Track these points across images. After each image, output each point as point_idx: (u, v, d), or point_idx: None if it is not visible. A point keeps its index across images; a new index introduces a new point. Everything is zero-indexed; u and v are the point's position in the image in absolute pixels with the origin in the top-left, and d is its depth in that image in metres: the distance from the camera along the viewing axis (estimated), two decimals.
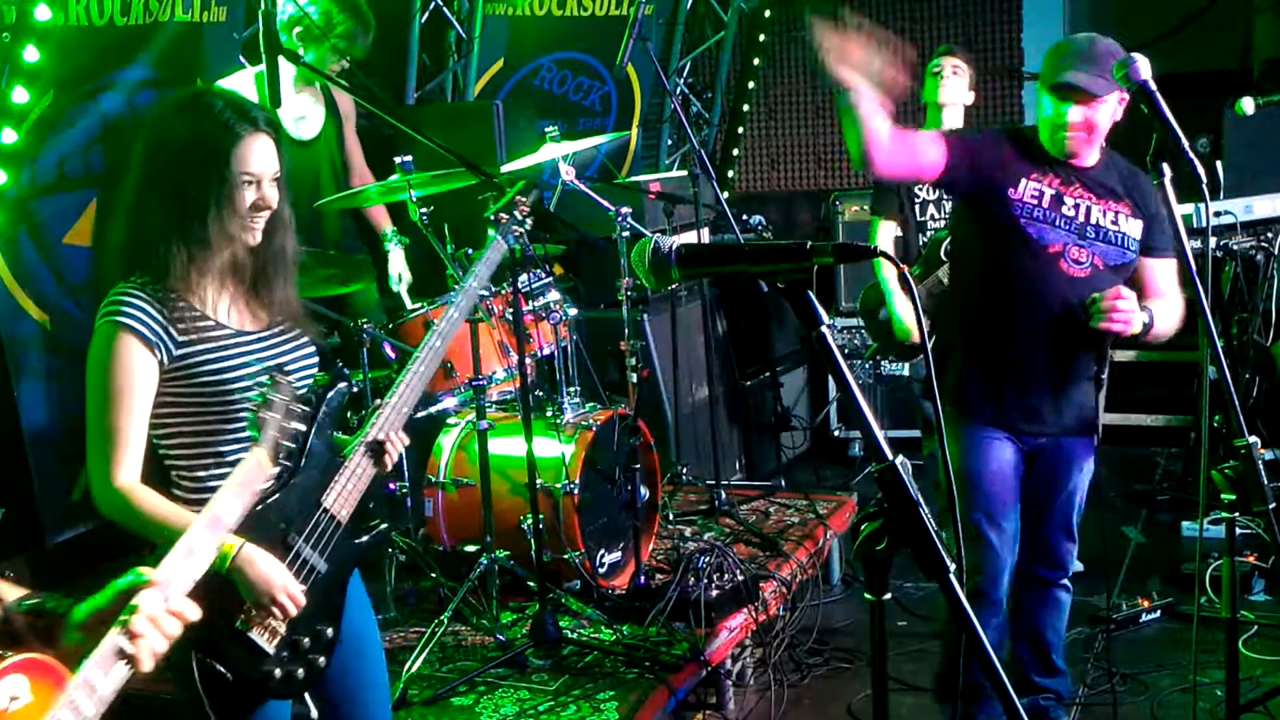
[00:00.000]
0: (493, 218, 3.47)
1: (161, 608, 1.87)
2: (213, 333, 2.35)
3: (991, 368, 3.46)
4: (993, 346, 3.46)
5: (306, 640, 2.38)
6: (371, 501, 2.53)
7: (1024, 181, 3.37)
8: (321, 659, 2.41)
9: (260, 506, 2.31)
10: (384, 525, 2.57)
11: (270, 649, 2.32)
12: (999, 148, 3.42)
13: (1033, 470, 3.54)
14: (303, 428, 2.29)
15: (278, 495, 2.36)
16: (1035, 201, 3.36)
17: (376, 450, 2.49)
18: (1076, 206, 3.37)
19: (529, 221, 3.57)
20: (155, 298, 2.30)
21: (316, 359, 2.52)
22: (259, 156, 2.30)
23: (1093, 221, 3.38)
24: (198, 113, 2.34)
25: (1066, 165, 3.39)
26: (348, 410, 3.81)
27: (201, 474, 2.38)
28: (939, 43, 5.54)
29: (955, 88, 4.99)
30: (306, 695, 2.45)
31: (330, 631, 2.43)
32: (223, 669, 2.28)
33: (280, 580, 2.26)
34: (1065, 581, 3.66)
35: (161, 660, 1.86)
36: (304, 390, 2.43)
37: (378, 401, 2.64)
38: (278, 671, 2.33)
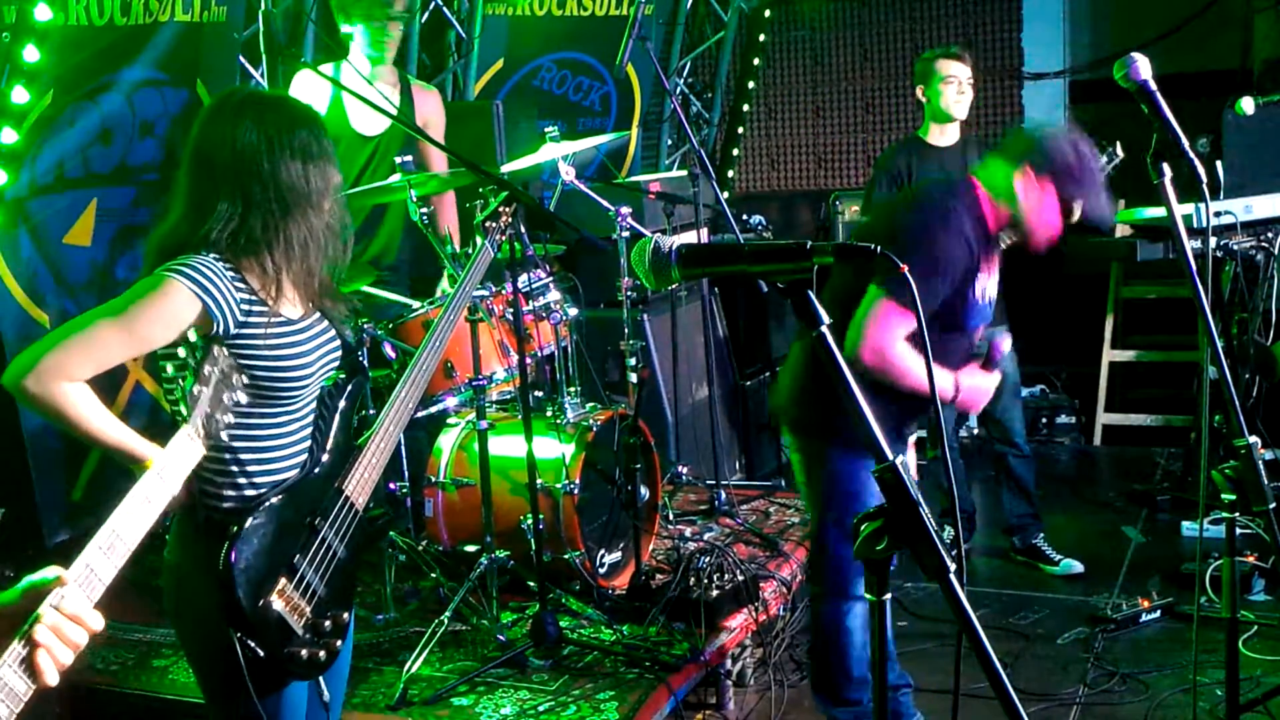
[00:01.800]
0: (481, 226, 3.58)
1: (65, 615, 1.77)
2: (266, 316, 2.37)
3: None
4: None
5: (328, 624, 2.44)
6: (394, 487, 2.63)
7: (979, 278, 3.34)
8: (338, 642, 2.47)
9: (288, 491, 2.39)
10: (389, 514, 2.63)
11: (299, 629, 2.37)
12: (965, 252, 3.29)
13: None
14: (234, 407, 2.24)
15: (304, 480, 2.43)
16: (980, 299, 3.37)
17: (385, 441, 2.57)
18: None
19: (515, 227, 3.66)
20: (226, 270, 2.33)
21: (340, 350, 2.55)
22: None
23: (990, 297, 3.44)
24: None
25: (992, 238, 3.38)
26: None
27: (234, 467, 2.39)
28: (939, 43, 5.54)
29: (966, 103, 4.96)
30: (321, 677, 2.50)
31: (346, 616, 2.50)
32: (255, 645, 2.32)
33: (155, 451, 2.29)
34: None
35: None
36: (325, 378, 2.48)
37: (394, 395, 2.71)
38: (304, 652, 2.39)
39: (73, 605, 1.82)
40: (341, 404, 2.50)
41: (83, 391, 2.28)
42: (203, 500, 2.39)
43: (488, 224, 3.58)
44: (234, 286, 2.32)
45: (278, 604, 2.33)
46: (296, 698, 2.45)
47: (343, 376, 2.53)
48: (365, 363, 4.20)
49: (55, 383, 2.25)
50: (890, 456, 1.58)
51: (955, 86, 4.94)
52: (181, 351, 2.24)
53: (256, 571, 2.31)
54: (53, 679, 1.77)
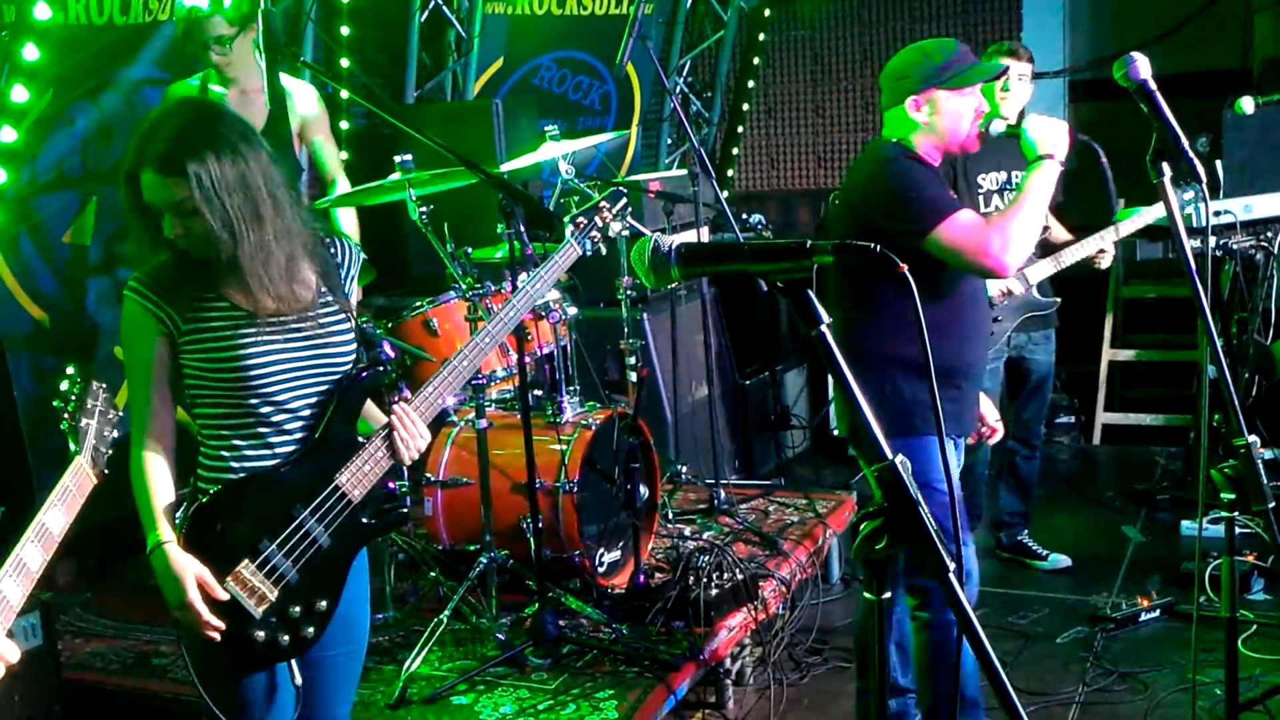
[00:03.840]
0: (571, 221, 3.33)
1: None
2: (222, 312, 2.42)
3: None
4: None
5: (298, 609, 2.45)
6: (393, 486, 2.59)
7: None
8: (311, 629, 2.48)
9: (264, 478, 2.43)
10: (402, 511, 2.62)
11: (257, 613, 2.40)
12: (942, 185, 3.43)
13: None
14: (117, 435, 2.38)
15: (286, 469, 2.45)
16: None
17: (390, 434, 2.55)
18: None
19: (612, 228, 3.42)
20: (161, 279, 2.42)
21: (353, 344, 2.55)
22: (149, 190, 2.34)
23: None
24: (136, 134, 2.40)
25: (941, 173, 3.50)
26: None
27: (225, 453, 2.45)
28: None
29: (1019, 98, 4.90)
30: (293, 663, 2.50)
31: (325, 604, 2.50)
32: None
33: (189, 597, 2.33)
34: None
35: None
36: (337, 373, 2.50)
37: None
38: (261, 634, 2.41)
39: None
40: (342, 395, 2.50)
41: (143, 467, 2.44)
42: (195, 485, 2.47)
43: (580, 220, 3.35)
44: (170, 291, 2.41)
45: (230, 585, 2.37)
46: (253, 680, 2.47)
47: (355, 369, 2.54)
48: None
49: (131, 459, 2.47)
50: (889, 455, 1.58)
51: (1005, 85, 4.89)
52: (64, 385, 2.36)
53: (214, 552, 2.37)
54: None
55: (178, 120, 2.37)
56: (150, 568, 2.38)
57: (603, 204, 3.40)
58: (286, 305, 2.44)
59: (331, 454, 2.49)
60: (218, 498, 2.42)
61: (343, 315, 2.54)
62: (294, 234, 2.44)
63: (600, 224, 3.34)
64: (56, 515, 2.11)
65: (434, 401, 2.64)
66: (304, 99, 4.81)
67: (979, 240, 3.16)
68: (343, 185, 4.92)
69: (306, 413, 2.48)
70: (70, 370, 2.38)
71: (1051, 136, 3.24)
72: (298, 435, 2.47)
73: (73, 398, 2.29)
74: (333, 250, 2.58)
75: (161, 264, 2.43)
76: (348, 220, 4.83)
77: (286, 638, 2.44)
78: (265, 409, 2.43)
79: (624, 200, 3.54)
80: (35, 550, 2.05)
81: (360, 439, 2.55)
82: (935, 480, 3.30)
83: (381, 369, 2.60)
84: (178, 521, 2.39)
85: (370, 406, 2.63)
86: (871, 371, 3.31)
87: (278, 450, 2.46)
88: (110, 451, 2.31)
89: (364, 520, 2.54)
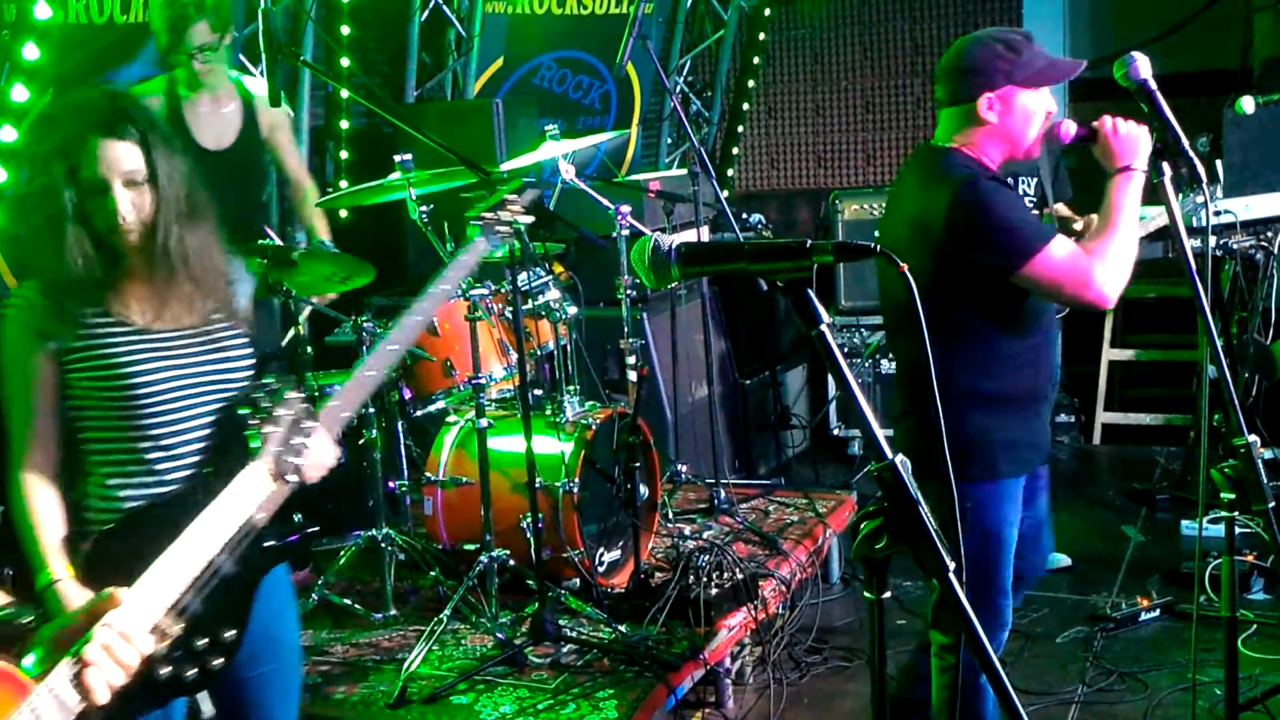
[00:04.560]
0: (477, 217, 3.14)
1: (118, 636, 1.81)
2: (111, 328, 2.31)
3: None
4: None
5: (204, 641, 2.28)
6: (297, 505, 2.42)
7: None
8: (217, 661, 2.31)
9: (163, 508, 2.30)
10: (309, 530, 2.49)
11: (160, 650, 2.19)
12: (1019, 198, 3.25)
13: None
14: (309, 443, 2.26)
15: (182, 492, 2.32)
16: None
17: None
18: None
19: (523, 222, 3.29)
20: (45, 293, 2.29)
21: (251, 360, 2.44)
22: (96, 163, 2.24)
23: None
24: (52, 123, 2.32)
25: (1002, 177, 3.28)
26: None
27: (112, 483, 2.33)
28: (939, 42, 5.51)
29: None
30: (204, 694, 2.40)
31: (231, 634, 2.34)
32: None
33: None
34: None
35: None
36: (234, 392, 2.39)
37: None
38: (164, 671, 2.24)
39: (123, 625, 1.84)
40: (246, 416, 2.32)
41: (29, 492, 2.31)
42: (85, 518, 2.34)
43: (486, 215, 3.15)
44: (55, 304, 2.29)
45: None
46: (161, 714, 2.36)
47: (254, 386, 2.40)
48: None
49: (9, 484, 2.32)
50: (890, 455, 1.58)
51: None
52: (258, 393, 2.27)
53: (106, 586, 2.17)
54: (102, 696, 1.79)
55: (104, 96, 2.31)
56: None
57: (509, 197, 3.24)
58: (194, 315, 2.36)
59: (230, 478, 2.30)
60: (113, 530, 2.29)
61: (240, 332, 2.44)
62: (213, 241, 2.38)
63: (508, 218, 3.16)
64: (224, 519, 2.09)
65: (339, 416, 2.44)
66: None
67: (1080, 273, 2.87)
68: (309, 186, 4.93)
69: (202, 434, 2.36)
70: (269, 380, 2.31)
71: (1129, 144, 2.93)
72: (193, 459, 2.35)
73: (266, 405, 2.20)
74: (233, 266, 2.49)
75: (46, 281, 2.30)
76: (319, 221, 4.84)
77: (192, 671, 2.28)
78: (157, 431, 2.31)
79: (533, 191, 3.40)
80: (195, 550, 2.06)
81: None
82: (1009, 525, 3.11)
83: (280, 387, 2.41)
84: (72, 557, 2.26)
85: None
86: (945, 408, 3.07)
87: (172, 476, 2.34)
88: (297, 461, 2.20)
89: (268, 544, 2.41)
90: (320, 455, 2.31)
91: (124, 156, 2.25)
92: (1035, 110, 3.02)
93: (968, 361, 2.99)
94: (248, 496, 2.15)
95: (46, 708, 1.76)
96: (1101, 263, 2.89)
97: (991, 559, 3.10)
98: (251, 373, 2.44)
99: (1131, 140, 2.93)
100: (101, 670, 1.80)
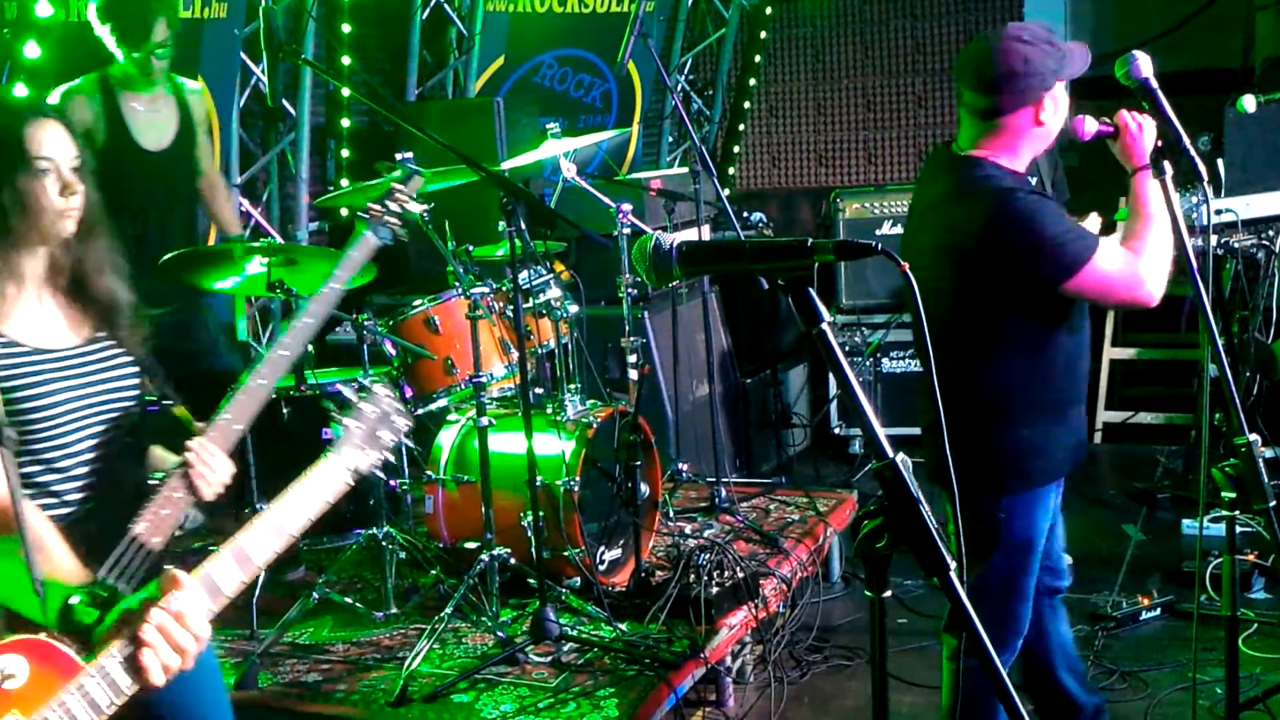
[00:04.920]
0: (364, 210, 2.96)
1: (173, 618, 1.82)
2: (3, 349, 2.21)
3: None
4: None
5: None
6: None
7: None
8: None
9: (66, 527, 2.22)
10: (196, 546, 2.43)
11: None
12: (1051, 203, 3.09)
13: None
14: (395, 441, 2.24)
15: (78, 525, 2.23)
16: None
17: (187, 473, 2.29)
18: None
19: (414, 210, 3.15)
20: None
21: (136, 377, 2.37)
22: (51, 142, 2.19)
23: None
24: None
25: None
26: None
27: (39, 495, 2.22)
28: (940, 41, 5.51)
29: None
30: None
31: None
32: None
33: None
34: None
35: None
36: (122, 410, 2.31)
37: (201, 425, 2.42)
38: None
39: (182, 608, 1.84)
40: (134, 435, 2.28)
41: None
42: None
43: (373, 208, 2.96)
44: None
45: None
46: None
47: (140, 404, 2.35)
48: (364, 362, 4.19)
49: None
50: (890, 454, 1.58)
51: None
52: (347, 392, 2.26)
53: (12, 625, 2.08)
54: (158, 678, 1.79)
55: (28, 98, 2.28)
56: None
57: (394, 186, 3.11)
58: (81, 334, 2.30)
59: (122, 502, 2.26)
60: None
61: (123, 350, 2.36)
62: (109, 258, 2.33)
63: (396, 209, 3.02)
64: (295, 512, 2.09)
65: (231, 429, 2.37)
66: (200, 99, 4.80)
67: (1130, 277, 2.88)
68: (222, 183, 4.93)
69: (92, 455, 2.27)
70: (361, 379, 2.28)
71: (1142, 144, 2.91)
72: (85, 481, 2.26)
73: (351, 400, 2.20)
74: (123, 285, 2.40)
75: None
76: (228, 208, 4.85)
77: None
78: (50, 454, 2.22)
79: (417, 178, 3.28)
80: (267, 539, 2.06)
81: (153, 481, 2.31)
82: (1040, 534, 3.07)
83: (169, 402, 2.37)
84: None
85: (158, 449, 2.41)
86: (982, 416, 2.97)
87: (66, 499, 2.24)
88: (382, 456, 2.21)
89: (167, 567, 2.27)
90: (216, 472, 2.28)
91: (68, 141, 2.22)
92: (1065, 107, 2.99)
93: (1012, 366, 2.97)
94: (323, 487, 2.14)
95: (95, 689, 1.76)
96: (1148, 263, 2.89)
97: (1017, 566, 3.09)
98: (137, 388, 2.36)
99: (1142, 140, 2.92)
100: (157, 652, 1.79)
